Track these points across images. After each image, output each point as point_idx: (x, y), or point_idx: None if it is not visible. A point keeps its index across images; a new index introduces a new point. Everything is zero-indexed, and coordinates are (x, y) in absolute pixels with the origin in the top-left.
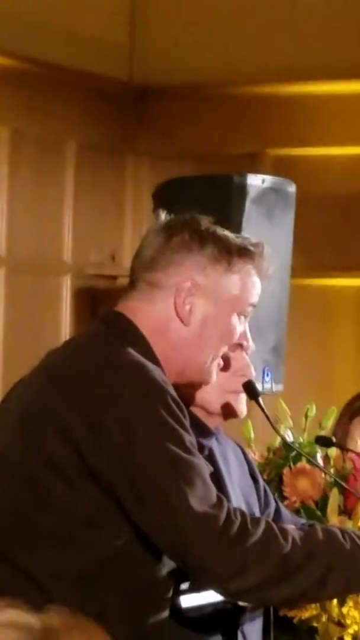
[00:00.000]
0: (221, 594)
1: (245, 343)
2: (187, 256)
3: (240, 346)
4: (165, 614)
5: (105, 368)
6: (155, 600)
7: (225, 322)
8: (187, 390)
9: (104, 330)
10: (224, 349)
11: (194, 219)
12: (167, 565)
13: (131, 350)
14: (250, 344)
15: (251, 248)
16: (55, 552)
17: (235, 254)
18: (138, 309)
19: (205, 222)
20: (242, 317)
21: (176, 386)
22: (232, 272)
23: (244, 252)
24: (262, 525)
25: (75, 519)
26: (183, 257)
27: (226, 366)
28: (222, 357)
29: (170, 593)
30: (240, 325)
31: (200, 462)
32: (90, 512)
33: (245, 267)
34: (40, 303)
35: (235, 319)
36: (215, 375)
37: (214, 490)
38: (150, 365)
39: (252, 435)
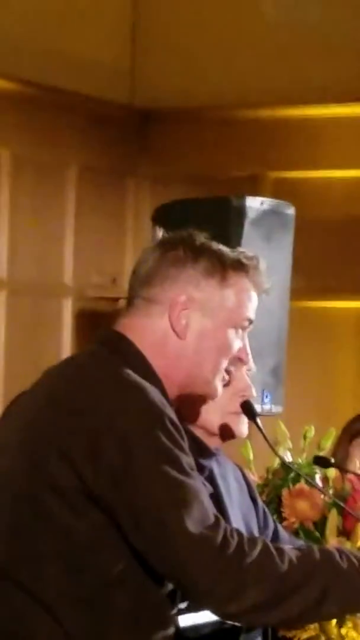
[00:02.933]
0: (219, 616)
1: (245, 358)
2: (182, 271)
3: (241, 362)
4: (171, 632)
5: (104, 391)
6: (160, 620)
7: (221, 336)
8: (190, 409)
9: (103, 351)
10: (225, 363)
11: (189, 235)
12: (170, 585)
13: (130, 372)
14: (252, 365)
15: (245, 261)
16: (60, 574)
17: (230, 267)
18: (135, 325)
19: (201, 237)
20: (240, 331)
21: (178, 404)
22: (227, 286)
23: (238, 266)
24: (259, 546)
25: (77, 543)
26: (178, 272)
27: (228, 386)
28: (225, 372)
29: (175, 612)
30: (238, 339)
31: (197, 483)
32: (92, 536)
33: (240, 280)
34: (41, 325)
35: (232, 332)
36: (220, 390)
37: (211, 512)
38: (148, 386)
39: (252, 456)
